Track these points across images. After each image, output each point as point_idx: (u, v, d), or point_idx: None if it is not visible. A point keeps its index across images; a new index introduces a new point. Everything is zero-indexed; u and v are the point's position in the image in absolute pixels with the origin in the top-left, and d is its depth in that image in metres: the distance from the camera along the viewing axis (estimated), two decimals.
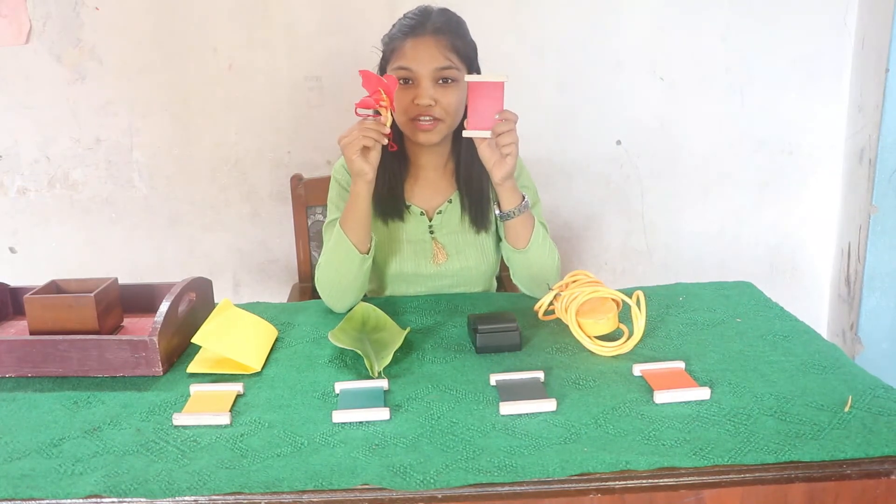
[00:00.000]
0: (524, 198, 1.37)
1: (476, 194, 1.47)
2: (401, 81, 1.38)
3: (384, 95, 1.26)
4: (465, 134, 1.30)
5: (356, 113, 1.29)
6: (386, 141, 1.27)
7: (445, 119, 1.38)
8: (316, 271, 1.40)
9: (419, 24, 1.38)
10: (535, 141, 2.16)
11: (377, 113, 1.27)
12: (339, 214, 1.39)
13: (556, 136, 2.24)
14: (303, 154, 2.23)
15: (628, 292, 1.22)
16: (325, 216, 1.82)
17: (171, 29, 2.11)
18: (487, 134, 1.28)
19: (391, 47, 1.41)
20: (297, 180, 1.83)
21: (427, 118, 1.37)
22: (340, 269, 1.35)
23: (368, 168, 1.28)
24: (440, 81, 1.37)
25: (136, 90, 2.16)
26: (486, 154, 1.31)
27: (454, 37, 1.39)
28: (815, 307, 2.41)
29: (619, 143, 2.27)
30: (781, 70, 2.21)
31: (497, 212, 1.39)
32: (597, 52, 2.19)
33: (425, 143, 1.41)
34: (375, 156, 1.29)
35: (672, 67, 2.21)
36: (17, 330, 1.30)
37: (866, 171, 2.16)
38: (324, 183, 1.77)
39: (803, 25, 2.18)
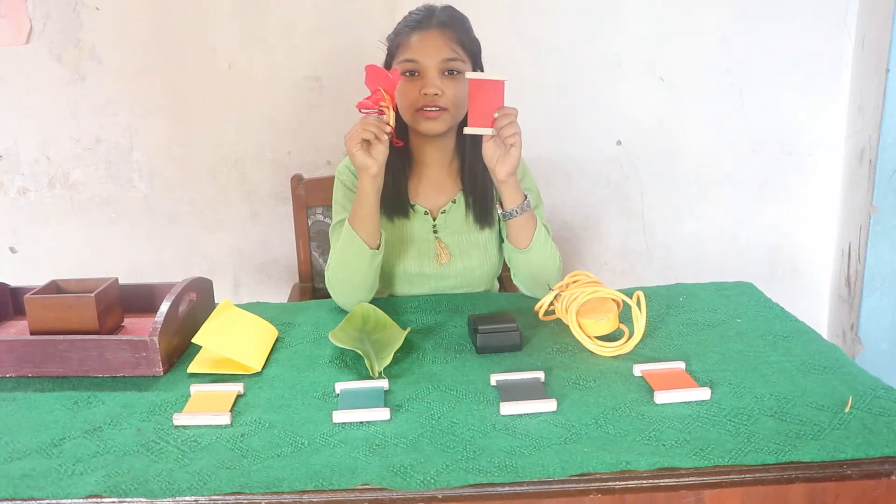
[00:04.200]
0: (526, 197, 1.37)
1: (480, 191, 1.48)
2: (407, 74, 1.38)
3: (384, 94, 1.26)
4: (466, 131, 1.31)
5: (359, 111, 1.29)
6: (386, 138, 1.27)
7: (450, 109, 1.39)
8: (326, 272, 1.40)
9: (425, 18, 1.40)
10: (535, 141, 2.15)
11: (381, 111, 1.28)
12: (346, 215, 1.39)
13: (556, 136, 2.24)
14: (303, 154, 2.23)
15: (628, 292, 1.22)
16: (325, 216, 1.83)
17: (170, 29, 2.11)
18: (488, 131, 1.29)
19: (396, 42, 1.42)
20: (297, 180, 1.83)
21: (433, 108, 1.38)
22: (351, 267, 1.35)
23: (371, 162, 1.28)
24: (446, 73, 1.38)
25: (136, 90, 2.16)
26: (489, 152, 1.32)
27: (459, 31, 1.40)
28: (815, 307, 2.41)
29: (619, 143, 2.27)
30: (781, 70, 2.22)
31: (499, 211, 1.39)
32: (597, 52, 2.19)
33: (430, 131, 1.41)
34: (381, 151, 1.29)
35: (672, 67, 2.21)
36: (17, 330, 1.30)
37: (866, 172, 2.16)
38: (324, 183, 1.77)
39: (803, 25, 2.18)
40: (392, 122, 1.27)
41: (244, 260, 2.32)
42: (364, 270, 1.36)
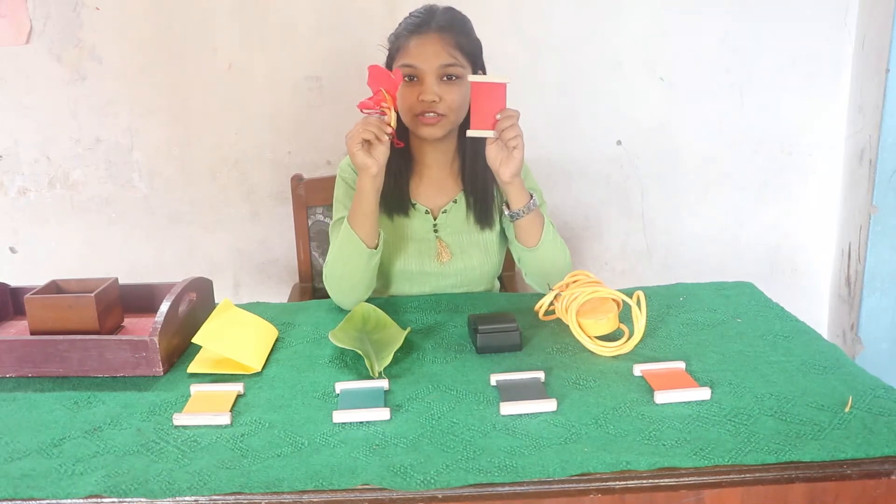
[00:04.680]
0: (532, 196, 1.38)
1: (481, 192, 1.48)
2: (406, 78, 1.38)
3: (386, 95, 1.26)
4: (468, 134, 1.31)
5: (360, 111, 1.29)
6: (387, 138, 1.28)
7: (449, 115, 1.39)
8: (324, 268, 1.40)
9: (424, 22, 1.39)
10: (536, 141, 2.15)
11: (382, 112, 1.28)
12: (346, 213, 1.39)
13: (557, 137, 2.24)
14: (303, 154, 2.23)
15: (628, 292, 1.22)
16: (325, 216, 1.83)
17: (171, 29, 2.11)
18: (490, 133, 1.30)
19: (396, 45, 1.42)
20: (297, 180, 1.83)
21: (431, 113, 1.38)
22: (349, 265, 1.35)
23: (371, 162, 1.28)
24: (444, 78, 1.38)
25: (136, 90, 2.16)
26: (492, 154, 1.32)
27: (459, 34, 1.39)
28: (815, 307, 2.41)
29: (619, 143, 2.27)
30: (781, 70, 2.22)
31: (506, 212, 1.40)
32: (597, 52, 2.19)
33: (429, 137, 1.41)
34: (381, 152, 1.29)
35: (672, 68, 2.21)
36: (17, 330, 1.30)
37: (866, 172, 2.16)
38: (324, 183, 1.78)
39: (803, 25, 2.18)
40: (393, 122, 1.28)
41: (244, 260, 2.32)
42: (361, 269, 1.36)
